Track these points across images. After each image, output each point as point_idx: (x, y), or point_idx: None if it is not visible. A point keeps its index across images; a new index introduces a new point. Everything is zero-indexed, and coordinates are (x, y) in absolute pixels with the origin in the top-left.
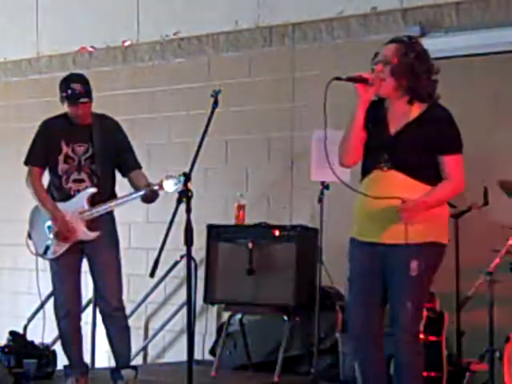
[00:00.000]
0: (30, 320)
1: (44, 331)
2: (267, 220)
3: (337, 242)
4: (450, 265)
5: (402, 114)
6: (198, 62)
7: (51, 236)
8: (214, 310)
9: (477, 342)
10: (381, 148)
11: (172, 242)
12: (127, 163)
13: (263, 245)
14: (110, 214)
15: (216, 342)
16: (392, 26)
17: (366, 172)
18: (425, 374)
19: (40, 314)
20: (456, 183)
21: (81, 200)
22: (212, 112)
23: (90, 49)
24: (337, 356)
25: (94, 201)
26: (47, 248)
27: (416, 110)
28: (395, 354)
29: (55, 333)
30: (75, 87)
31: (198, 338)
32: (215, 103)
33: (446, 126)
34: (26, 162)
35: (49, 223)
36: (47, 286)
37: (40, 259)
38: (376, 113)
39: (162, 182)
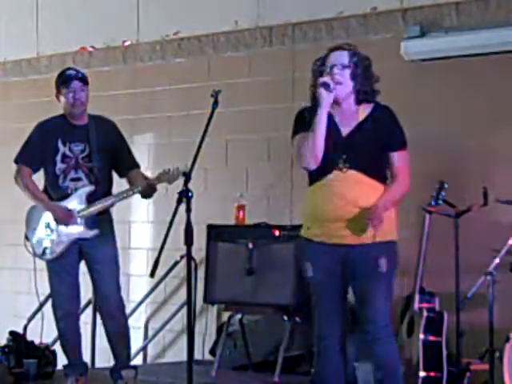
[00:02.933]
0: (29, 320)
1: (42, 331)
2: (267, 220)
3: None
4: (450, 265)
5: (350, 115)
6: (198, 61)
7: (50, 235)
8: (214, 310)
9: (477, 342)
10: (336, 149)
11: (172, 242)
12: (124, 163)
13: (263, 245)
14: (107, 213)
15: (216, 342)
16: (392, 26)
17: (322, 173)
18: (425, 374)
19: (40, 314)
20: (402, 182)
21: (78, 198)
22: (212, 112)
23: (90, 49)
24: None
25: (91, 199)
26: (45, 249)
27: (363, 111)
28: (373, 350)
29: (55, 333)
30: (70, 72)
31: (197, 338)
32: (215, 103)
33: (393, 124)
34: (17, 161)
35: (46, 220)
36: (46, 286)
37: (38, 259)
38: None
39: (159, 175)
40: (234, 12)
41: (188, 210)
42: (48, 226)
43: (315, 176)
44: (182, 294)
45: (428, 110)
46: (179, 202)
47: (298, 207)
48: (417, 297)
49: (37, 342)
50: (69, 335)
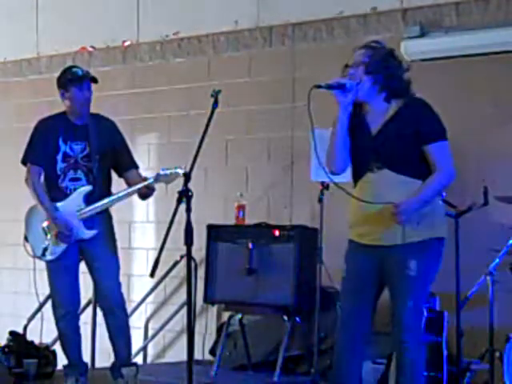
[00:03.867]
0: (30, 320)
1: (42, 331)
2: (267, 220)
3: (337, 242)
4: (450, 265)
5: (381, 112)
6: (198, 61)
7: (48, 237)
8: (214, 309)
9: (477, 342)
10: (367, 150)
11: (172, 242)
12: (123, 163)
13: (263, 245)
14: (106, 212)
15: (216, 342)
16: (392, 26)
17: (358, 176)
18: (425, 373)
19: (40, 314)
20: (445, 172)
21: (77, 198)
22: (212, 112)
23: (90, 49)
24: None
25: (90, 199)
26: (45, 250)
27: (393, 107)
28: (397, 353)
29: (55, 333)
30: (77, 71)
31: (197, 338)
32: (215, 103)
33: (426, 115)
34: (25, 161)
35: (44, 224)
36: (46, 287)
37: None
38: (355, 122)
39: (156, 175)
40: (234, 12)
41: (188, 210)
42: (48, 227)
43: (353, 178)
44: (182, 294)
45: None
46: (179, 201)
47: (298, 207)
48: None
49: (37, 342)
50: (69, 335)
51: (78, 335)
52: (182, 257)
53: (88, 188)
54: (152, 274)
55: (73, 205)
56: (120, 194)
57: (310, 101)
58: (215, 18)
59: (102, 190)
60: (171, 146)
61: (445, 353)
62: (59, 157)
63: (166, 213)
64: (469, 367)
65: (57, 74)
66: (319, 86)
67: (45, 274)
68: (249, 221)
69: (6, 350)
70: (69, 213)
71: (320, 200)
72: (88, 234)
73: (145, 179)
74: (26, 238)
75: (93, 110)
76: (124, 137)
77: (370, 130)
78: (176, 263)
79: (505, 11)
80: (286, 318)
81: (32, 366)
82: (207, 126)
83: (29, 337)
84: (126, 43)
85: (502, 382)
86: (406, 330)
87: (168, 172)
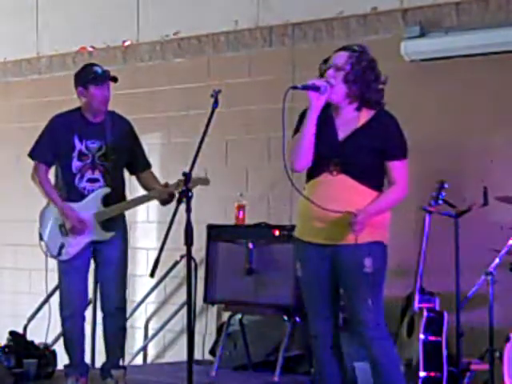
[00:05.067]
0: (30, 320)
1: (48, 331)
2: (267, 220)
3: None
4: (450, 265)
5: (350, 120)
6: (198, 61)
7: (64, 236)
8: (214, 309)
9: (477, 342)
10: (330, 153)
11: (172, 242)
12: (138, 163)
13: (263, 245)
14: (122, 215)
15: (216, 342)
16: (392, 26)
17: (313, 175)
18: (425, 374)
19: (40, 314)
20: (400, 190)
21: (95, 200)
22: (212, 112)
23: (90, 49)
24: None
25: (107, 201)
26: (61, 249)
27: (364, 117)
28: (367, 351)
29: (55, 333)
30: (98, 69)
31: (197, 338)
32: (215, 103)
33: (393, 133)
34: (32, 157)
35: (60, 222)
36: (45, 287)
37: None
38: (322, 119)
39: (178, 182)
40: (234, 12)
41: (188, 210)
42: (63, 226)
43: (308, 176)
44: (182, 294)
45: (428, 109)
46: (179, 201)
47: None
48: (417, 297)
49: (37, 342)
50: (74, 335)
51: (83, 336)
52: (182, 257)
53: (107, 190)
54: (152, 274)
55: (91, 206)
56: (139, 198)
57: (286, 102)
58: (215, 18)
59: (118, 191)
60: (171, 145)
61: (445, 353)
62: (75, 155)
63: (166, 213)
64: (469, 367)
65: (57, 74)
66: (295, 87)
67: (44, 274)
68: (249, 221)
69: (6, 350)
70: (86, 214)
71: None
72: (105, 235)
73: (166, 185)
74: (40, 237)
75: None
76: (138, 136)
77: (337, 135)
78: (176, 263)
79: (505, 11)
80: (286, 317)
81: (32, 366)
82: (207, 126)
83: (29, 337)
84: (126, 43)
85: (502, 382)
86: (370, 326)
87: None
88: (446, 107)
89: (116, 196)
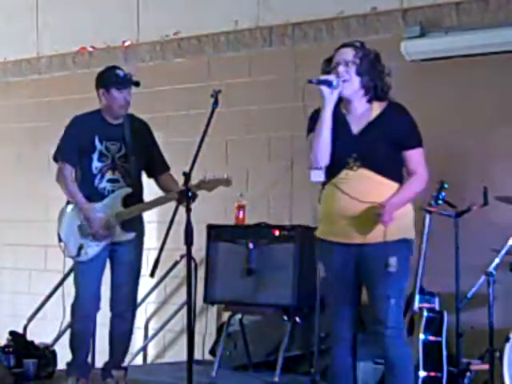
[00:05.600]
0: (30, 320)
1: (63, 333)
2: (267, 220)
3: None
4: (450, 265)
5: (363, 114)
6: (198, 61)
7: (84, 237)
8: (213, 309)
9: (477, 342)
10: (346, 148)
11: (172, 242)
12: (157, 165)
13: (263, 245)
14: (140, 217)
15: (216, 342)
16: (392, 26)
17: (334, 173)
18: (425, 374)
19: (40, 314)
20: (421, 178)
21: (115, 201)
22: (212, 112)
23: (90, 49)
24: None
25: (127, 202)
26: (79, 250)
27: (376, 109)
28: (383, 351)
29: (55, 333)
30: (120, 73)
31: (197, 338)
32: (215, 103)
33: (407, 122)
34: (56, 159)
35: (80, 223)
36: (46, 287)
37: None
38: (334, 115)
39: (199, 182)
40: (234, 12)
41: (188, 210)
42: (83, 226)
43: (327, 176)
44: (182, 294)
45: (428, 109)
46: (179, 200)
47: (298, 207)
48: (417, 297)
49: (37, 342)
50: (83, 337)
51: (90, 338)
52: (182, 257)
53: (127, 190)
54: (152, 274)
55: (111, 206)
56: (158, 200)
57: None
58: (215, 18)
59: (138, 192)
60: (171, 145)
61: (445, 353)
62: (95, 156)
63: (167, 213)
64: (469, 367)
65: (57, 74)
66: (310, 81)
67: (43, 274)
68: (249, 221)
69: (6, 350)
70: (106, 214)
71: (320, 200)
72: (125, 236)
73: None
74: (59, 237)
75: (92, 109)
76: (155, 138)
77: (351, 130)
78: (176, 263)
79: (505, 11)
80: (285, 317)
81: (32, 366)
82: (207, 125)
83: (29, 337)
84: (126, 43)
85: (502, 382)
86: (389, 326)
87: (211, 178)
88: (445, 107)
89: (135, 197)
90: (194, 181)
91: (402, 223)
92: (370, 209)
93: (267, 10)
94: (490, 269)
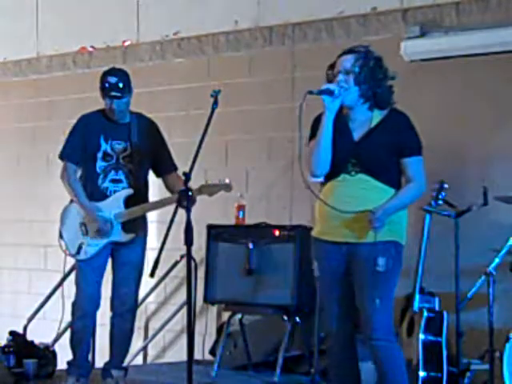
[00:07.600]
0: (30, 320)
1: (62, 332)
2: (267, 220)
3: None
4: (450, 265)
5: (364, 121)
6: (198, 61)
7: (85, 236)
8: (214, 309)
9: (477, 342)
10: (347, 153)
11: (172, 242)
12: (164, 165)
13: (263, 245)
14: (144, 217)
15: (216, 342)
16: (392, 26)
17: (332, 176)
18: (425, 374)
19: (40, 314)
20: (418, 186)
21: (117, 201)
22: (212, 112)
23: (90, 49)
24: None
25: (129, 203)
26: (79, 248)
27: (377, 116)
28: (372, 355)
29: (55, 333)
30: (110, 80)
31: (197, 338)
32: (215, 103)
33: (407, 130)
34: (62, 157)
35: (81, 222)
36: (46, 287)
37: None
38: (336, 124)
39: (200, 187)
40: (234, 12)
41: (188, 210)
42: (85, 225)
43: (325, 179)
44: (182, 294)
45: (428, 110)
46: (179, 202)
47: (298, 207)
48: (417, 297)
49: (37, 342)
50: (82, 336)
51: (90, 337)
52: (182, 257)
53: (129, 191)
54: (152, 274)
55: (112, 206)
56: (160, 201)
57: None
58: (215, 18)
59: (141, 193)
60: (171, 146)
61: (445, 353)
62: (99, 155)
63: (167, 213)
64: (469, 367)
65: (57, 74)
66: (311, 92)
67: (42, 274)
68: (249, 221)
69: (6, 350)
70: (107, 214)
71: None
72: (126, 237)
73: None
74: (60, 235)
75: (92, 109)
76: (164, 137)
77: (352, 136)
78: (176, 263)
79: (505, 11)
80: (286, 317)
81: (32, 366)
82: (207, 125)
83: (29, 337)
84: (126, 43)
85: (501, 382)
86: (376, 327)
87: (212, 183)
88: (445, 107)
89: (138, 198)
90: (194, 185)
91: (394, 227)
92: (363, 213)
93: (267, 10)
94: (490, 269)
